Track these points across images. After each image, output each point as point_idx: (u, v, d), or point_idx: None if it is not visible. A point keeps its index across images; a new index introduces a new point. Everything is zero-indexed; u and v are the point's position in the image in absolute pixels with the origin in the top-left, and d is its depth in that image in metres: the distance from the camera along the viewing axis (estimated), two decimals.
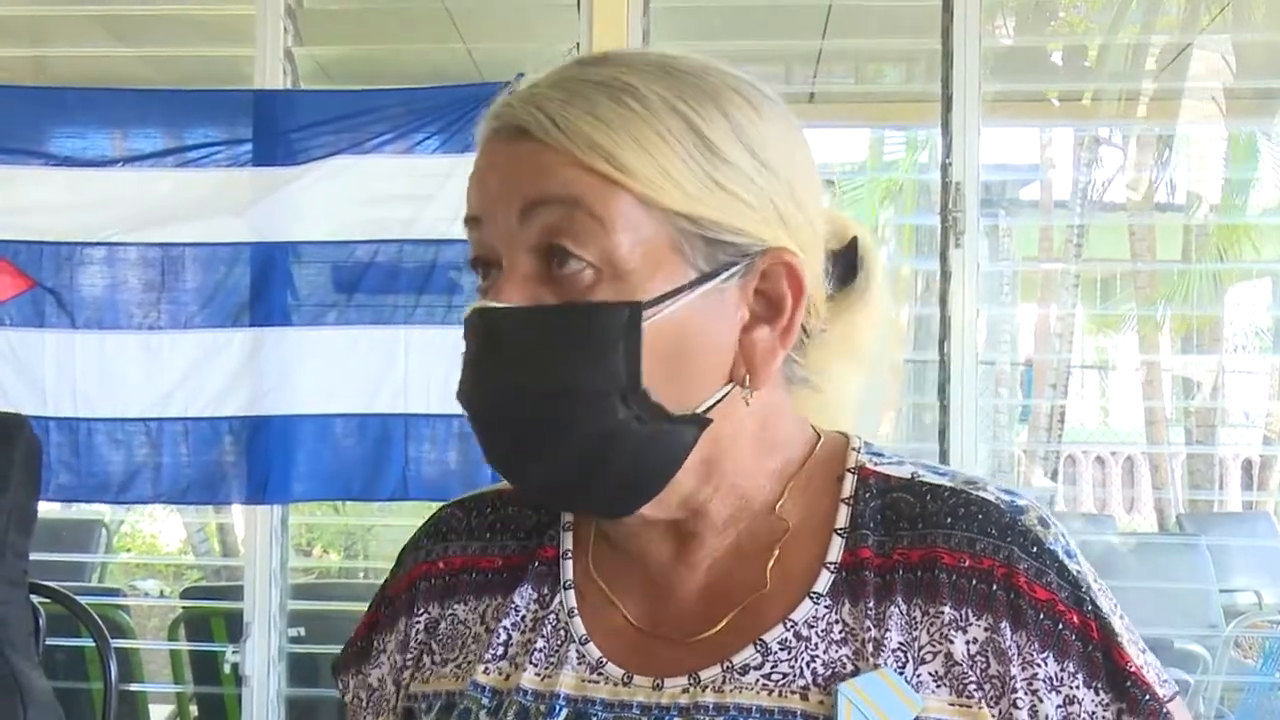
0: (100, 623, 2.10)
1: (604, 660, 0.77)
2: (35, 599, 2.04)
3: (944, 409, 2.51)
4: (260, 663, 2.63)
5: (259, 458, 2.51)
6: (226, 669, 2.70)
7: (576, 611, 0.80)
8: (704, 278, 0.72)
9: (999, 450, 5.77)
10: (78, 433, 2.51)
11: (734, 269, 0.73)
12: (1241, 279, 6.55)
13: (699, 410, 0.74)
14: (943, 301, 2.51)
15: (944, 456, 2.50)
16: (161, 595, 4.82)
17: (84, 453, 2.51)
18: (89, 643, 2.30)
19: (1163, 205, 6.20)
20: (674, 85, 0.73)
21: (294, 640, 2.71)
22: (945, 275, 2.50)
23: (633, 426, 0.71)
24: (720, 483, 0.77)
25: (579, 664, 0.78)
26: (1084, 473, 8.34)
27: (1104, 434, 8.82)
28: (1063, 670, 0.73)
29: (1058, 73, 3.85)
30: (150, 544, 7.15)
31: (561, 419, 0.72)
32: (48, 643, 2.11)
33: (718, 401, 0.74)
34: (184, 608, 3.43)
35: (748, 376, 0.75)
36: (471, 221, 0.76)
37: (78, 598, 2.16)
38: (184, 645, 3.21)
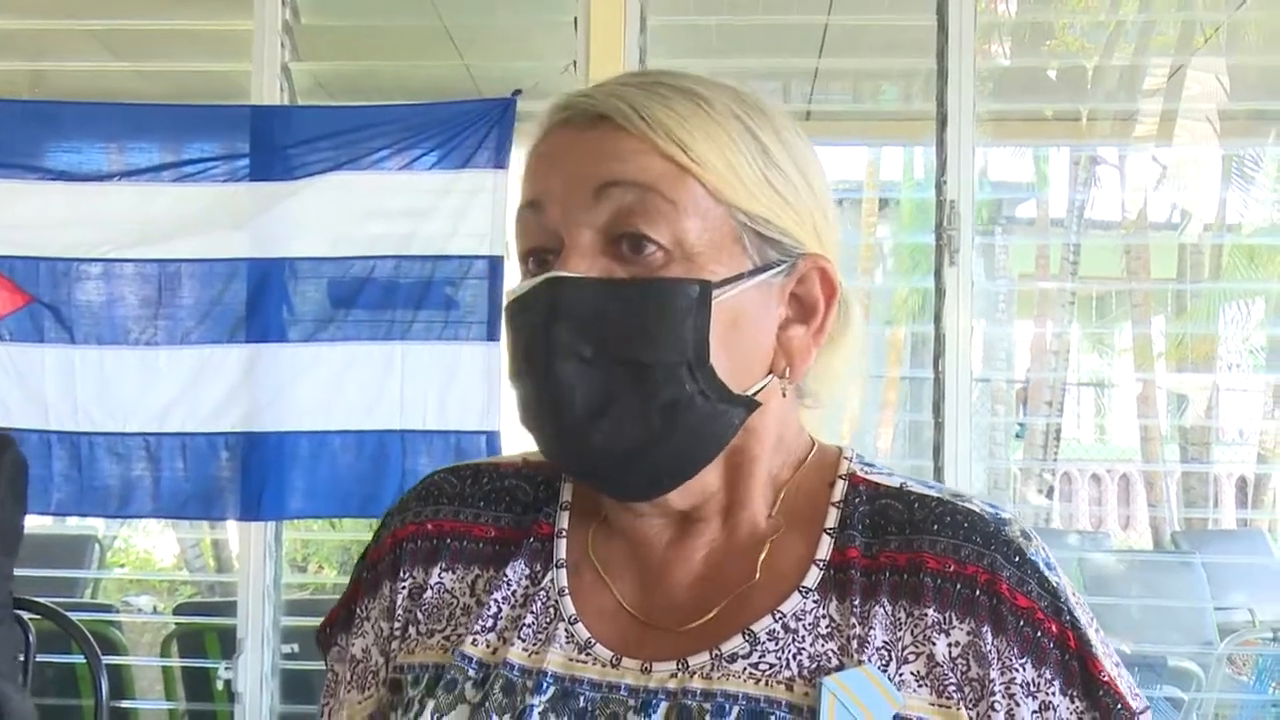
0: (92, 639, 2.09)
1: (593, 641, 0.79)
2: (26, 615, 2.03)
3: (938, 426, 2.51)
4: (253, 679, 2.62)
5: (255, 474, 2.50)
6: (219, 685, 2.69)
7: (567, 590, 0.81)
8: (758, 270, 0.77)
9: (995, 468, 5.77)
10: (79, 447, 2.50)
11: (781, 267, 0.78)
12: (1236, 297, 6.57)
13: (749, 393, 0.77)
14: (937, 319, 2.51)
15: (938, 473, 2.50)
16: (155, 611, 4.80)
17: (85, 466, 2.51)
18: (80, 659, 2.29)
19: (1158, 224, 6.22)
20: (738, 99, 0.79)
21: (287, 657, 2.69)
22: (940, 293, 2.50)
23: (696, 401, 0.75)
24: (737, 474, 0.80)
25: (567, 643, 0.79)
26: (1080, 490, 8.35)
27: (1100, 451, 8.84)
28: (1040, 676, 0.76)
29: (1054, 92, 3.87)
30: (144, 560, 7.13)
31: (634, 388, 0.74)
32: (38, 659, 2.09)
33: (760, 390, 0.78)
34: (177, 624, 3.43)
35: (788, 369, 0.79)
36: (531, 207, 0.78)
37: (70, 614, 2.15)
38: (177, 662, 3.20)
